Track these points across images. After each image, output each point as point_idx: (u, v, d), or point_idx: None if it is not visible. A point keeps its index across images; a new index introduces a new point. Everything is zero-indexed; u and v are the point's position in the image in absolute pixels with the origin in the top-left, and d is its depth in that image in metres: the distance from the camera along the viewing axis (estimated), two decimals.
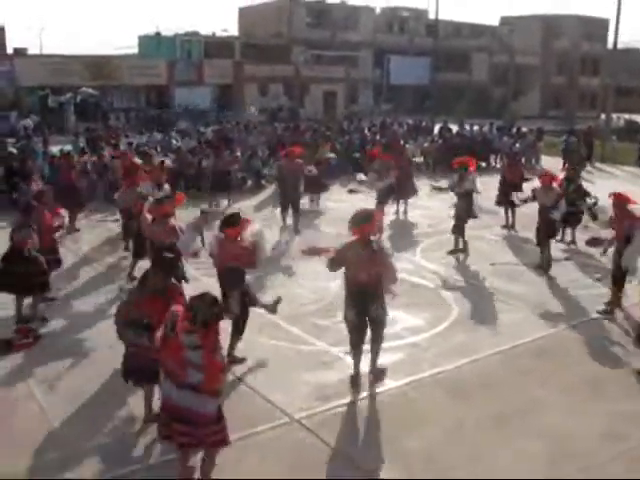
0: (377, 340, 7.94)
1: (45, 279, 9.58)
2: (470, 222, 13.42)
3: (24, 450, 6.42)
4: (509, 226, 15.63)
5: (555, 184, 12.28)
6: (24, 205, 9.96)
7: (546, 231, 12.21)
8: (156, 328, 5.82)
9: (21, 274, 9.17)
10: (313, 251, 13.45)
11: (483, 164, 25.68)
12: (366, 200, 17.98)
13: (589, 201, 13.75)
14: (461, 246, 13.31)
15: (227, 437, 5.62)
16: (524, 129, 29.98)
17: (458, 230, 13.25)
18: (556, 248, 13.35)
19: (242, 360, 8.28)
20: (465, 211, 13.10)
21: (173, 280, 7.04)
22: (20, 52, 43.56)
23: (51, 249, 10.29)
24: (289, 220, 15.76)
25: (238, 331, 8.25)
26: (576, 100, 63.11)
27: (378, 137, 27.23)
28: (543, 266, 12.31)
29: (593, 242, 12.02)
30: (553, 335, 9.49)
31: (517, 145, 27.43)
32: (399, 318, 9.51)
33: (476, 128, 29.47)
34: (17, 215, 10.22)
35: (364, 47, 59.60)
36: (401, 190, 16.74)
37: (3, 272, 9.30)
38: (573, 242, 14.15)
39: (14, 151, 20.02)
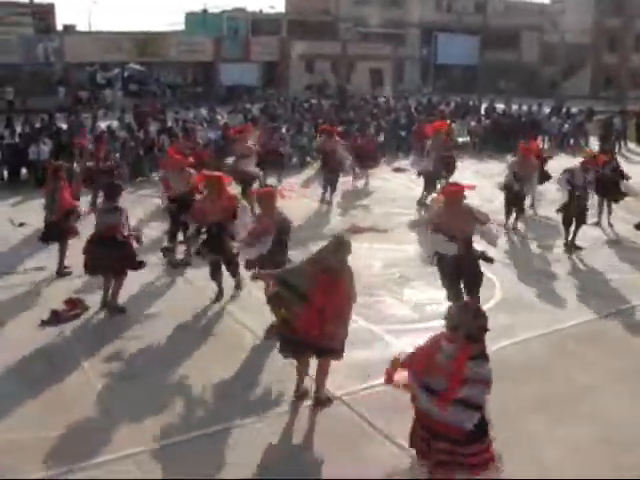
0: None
1: (134, 262, 9.41)
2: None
3: (73, 416, 6.58)
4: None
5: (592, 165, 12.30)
6: (108, 187, 9.73)
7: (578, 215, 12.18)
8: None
9: (110, 258, 9.06)
10: (356, 229, 13.60)
11: None
12: (412, 179, 17.91)
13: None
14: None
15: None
16: (574, 109, 29.41)
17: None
18: (601, 232, 13.17)
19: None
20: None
21: None
22: (69, 29, 44.03)
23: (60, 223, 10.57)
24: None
25: None
26: (628, 80, 61.54)
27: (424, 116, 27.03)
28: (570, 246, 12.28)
29: None
30: (599, 319, 9.33)
31: (566, 126, 26.99)
32: (443, 298, 9.43)
33: (524, 108, 28.99)
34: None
35: (411, 25, 58.90)
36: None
37: (93, 256, 9.17)
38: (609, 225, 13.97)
39: (63, 126, 20.36)
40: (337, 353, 6.73)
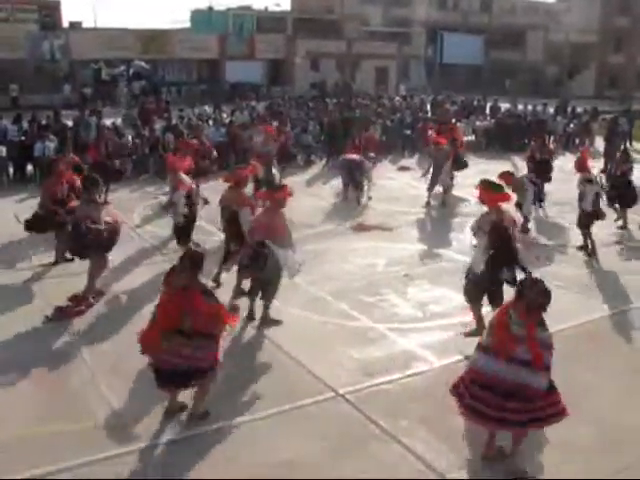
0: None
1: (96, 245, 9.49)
2: None
3: (76, 414, 6.60)
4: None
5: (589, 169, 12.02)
6: (89, 180, 9.76)
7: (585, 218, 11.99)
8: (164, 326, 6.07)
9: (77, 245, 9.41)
10: (362, 227, 13.65)
11: None
12: (416, 178, 17.91)
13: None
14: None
15: (563, 409, 5.66)
16: (579, 109, 29.34)
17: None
18: (607, 231, 13.10)
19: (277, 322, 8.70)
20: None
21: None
22: (75, 25, 44.07)
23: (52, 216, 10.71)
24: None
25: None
26: (634, 79, 61.37)
27: (429, 115, 27.07)
28: (587, 249, 12.09)
29: None
30: (603, 319, 9.29)
31: (571, 126, 26.92)
32: (448, 297, 9.45)
33: (529, 108, 28.93)
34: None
35: (417, 24, 58.87)
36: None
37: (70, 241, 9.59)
38: (624, 227, 13.82)
39: (69, 123, 20.38)
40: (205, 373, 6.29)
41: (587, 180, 11.74)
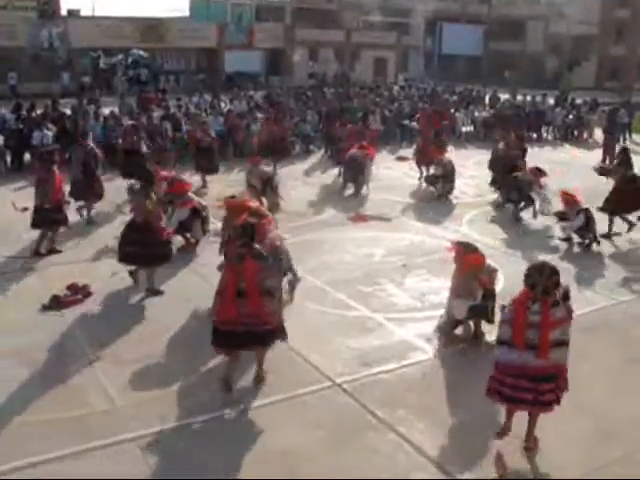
0: None
1: (166, 250, 9.62)
2: None
3: (74, 403, 6.61)
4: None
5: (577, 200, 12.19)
6: (147, 174, 9.89)
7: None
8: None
9: (140, 244, 9.22)
10: (360, 217, 13.65)
11: (534, 135, 25.27)
12: (414, 168, 17.86)
13: None
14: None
15: (559, 398, 5.87)
16: (578, 101, 29.30)
17: None
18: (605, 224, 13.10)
19: None
20: None
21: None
22: (73, 14, 43.84)
23: (58, 207, 10.87)
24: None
25: None
26: (634, 71, 61.14)
27: (427, 105, 27.00)
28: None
29: None
30: (600, 311, 9.31)
31: (570, 117, 26.89)
32: (446, 287, 9.40)
33: (529, 98, 28.89)
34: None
35: (416, 14, 58.63)
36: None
37: (124, 242, 9.40)
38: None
39: (67, 112, 20.32)
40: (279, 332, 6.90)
41: (585, 209, 12.02)
